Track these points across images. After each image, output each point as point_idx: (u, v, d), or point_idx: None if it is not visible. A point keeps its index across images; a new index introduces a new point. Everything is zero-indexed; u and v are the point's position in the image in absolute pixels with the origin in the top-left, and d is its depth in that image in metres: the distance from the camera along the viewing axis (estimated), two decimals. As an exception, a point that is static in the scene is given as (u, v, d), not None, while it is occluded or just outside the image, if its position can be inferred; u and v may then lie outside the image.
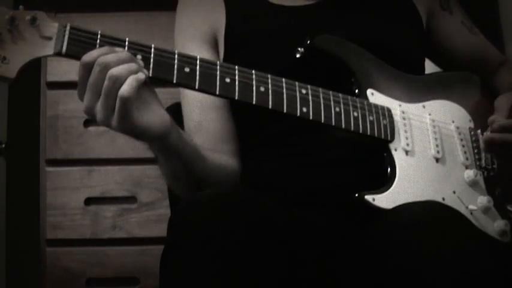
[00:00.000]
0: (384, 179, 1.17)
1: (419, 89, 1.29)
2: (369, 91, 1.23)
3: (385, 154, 1.19)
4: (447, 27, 1.45)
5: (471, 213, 1.19)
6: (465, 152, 1.26)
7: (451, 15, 1.45)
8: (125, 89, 1.00)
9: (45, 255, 2.03)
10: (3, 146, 2.01)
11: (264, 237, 1.01)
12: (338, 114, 1.16)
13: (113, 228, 2.04)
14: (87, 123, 2.07)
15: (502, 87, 1.39)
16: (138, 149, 1.97)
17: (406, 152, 1.20)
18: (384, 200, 1.13)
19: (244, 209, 1.02)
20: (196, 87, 1.09)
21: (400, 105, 1.24)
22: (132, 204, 2.06)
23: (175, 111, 1.31)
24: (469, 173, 1.23)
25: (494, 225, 1.19)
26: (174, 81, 1.08)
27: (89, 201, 2.06)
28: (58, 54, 1.04)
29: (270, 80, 1.13)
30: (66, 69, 2.05)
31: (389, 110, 1.22)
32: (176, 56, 1.08)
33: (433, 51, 1.45)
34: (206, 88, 1.09)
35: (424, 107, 1.27)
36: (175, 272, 1.01)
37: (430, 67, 1.47)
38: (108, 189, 2.06)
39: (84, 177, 2.06)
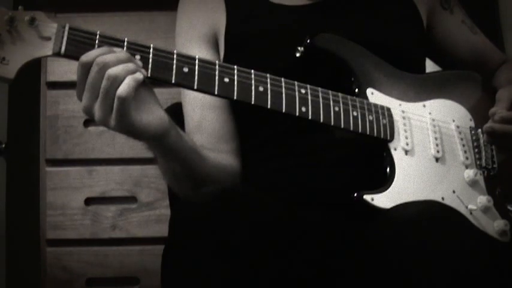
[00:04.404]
0: (383, 179, 1.17)
1: (419, 88, 1.29)
2: (369, 90, 1.23)
3: (384, 154, 1.19)
4: (448, 27, 1.45)
5: (471, 213, 1.18)
6: (465, 152, 1.25)
7: (452, 14, 1.45)
8: (123, 88, 1.00)
9: (45, 255, 2.03)
10: (3, 146, 2.01)
11: (266, 236, 1.02)
12: (337, 113, 1.16)
13: (113, 228, 2.04)
14: (87, 123, 2.07)
15: (501, 86, 1.39)
16: (138, 149, 1.94)
17: (406, 152, 1.20)
18: (382, 200, 1.13)
19: (245, 207, 1.03)
20: (195, 87, 1.09)
21: (400, 105, 1.24)
22: (132, 204, 2.06)
23: (175, 111, 1.31)
24: (469, 173, 1.22)
25: (494, 225, 1.19)
26: (173, 81, 1.08)
27: (89, 201, 2.05)
28: (57, 54, 1.04)
29: (269, 80, 1.13)
30: (66, 69, 2.05)
31: (389, 110, 1.22)
32: (175, 56, 1.08)
33: (433, 50, 1.45)
34: (205, 88, 1.09)
35: (424, 106, 1.27)
36: (176, 271, 1.01)
37: (430, 66, 1.47)
38: (108, 189, 2.06)
39: (84, 177, 2.06)
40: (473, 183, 1.23)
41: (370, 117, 1.18)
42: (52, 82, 2.10)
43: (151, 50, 1.07)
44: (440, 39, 1.45)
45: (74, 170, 2.07)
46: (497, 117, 1.21)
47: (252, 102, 1.11)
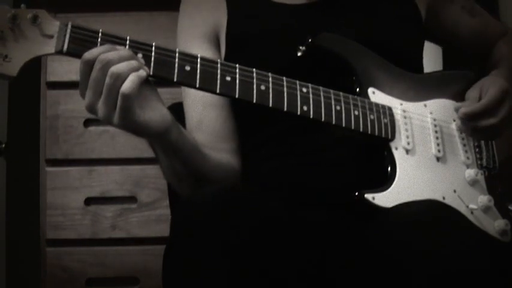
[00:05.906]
0: (384, 178, 1.17)
1: (420, 88, 1.29)
2: (370, 90, 1.23)
3: (385, 153, 1.20)
4: (449, 16, 1.46)
5: (471, 213, 1.19)
6: (466, 151, 1.26)
7: (452, 3, 1.46)
8: (127, 86, 1.00)
9: (45, 255, 2.03)
10: (3, 146, 2.01)
11: (267, 235, 1.02)
12: (339, 112, 1.16)
13: (113, 228, 2.04)
14: (87, 123, 2.06)
15: (494, 60, 1.41)
16: (138, 149, 1.97)
17: (407, 151, 1.20)
18: (383, 199, 1.13)
19: (246, 207, 1.03)
20: (197, 85, 1.09)
21: (401, 104, 1.24)
22: (132, 204, 2.06)
23: (176, 111, 1.31)
24: (470, 172, 1.23)
25: (494, 225, 1.20)
26: (175, 80, 1.08)
27: (89, 201, 2.05)
28: (59, 52, 1.04)
29: (270, 79, 1.13)
30: (67, 69, 2.04)
31: (390, 109, 1.22)
32: (177, 54, 1.08)
33: (436, 39, 1.46)
34: (207, 86, 1.10)
35: (425, 105, 1.27)
36: (177, 271, 1.01)
37: (431, 66, 1.47)
38: (108, 189, 2.06)
39: (84, 177, 2.06)
40: (474, 183, 1.23)
41: (372, 117, 1.19)
42: (52, 82, 2.09)
43: (153, 49, 1.07)
44: (442, 29, 1.45)
45: (74, 170, 2.07)
46: (461, 114, 1.25)
47: (254, 101, 1.11)
